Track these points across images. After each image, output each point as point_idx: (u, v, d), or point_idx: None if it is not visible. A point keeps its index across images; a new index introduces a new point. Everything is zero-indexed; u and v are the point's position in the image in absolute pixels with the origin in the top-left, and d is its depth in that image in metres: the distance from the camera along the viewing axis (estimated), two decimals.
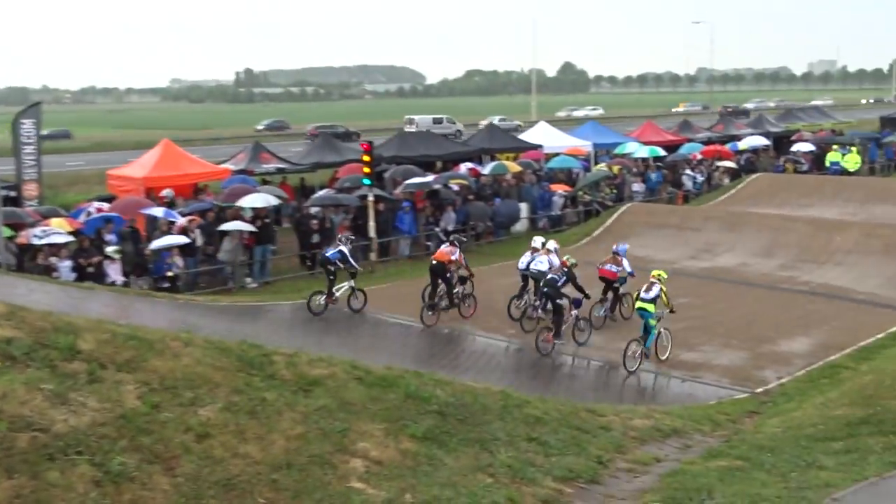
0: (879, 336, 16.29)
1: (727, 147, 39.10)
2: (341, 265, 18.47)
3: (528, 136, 37.49)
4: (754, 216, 26.19)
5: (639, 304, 15.52)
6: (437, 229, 25.70)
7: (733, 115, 64.61)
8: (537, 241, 18.73)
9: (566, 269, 16.59)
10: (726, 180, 34.19)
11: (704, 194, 33.08)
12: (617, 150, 36.92)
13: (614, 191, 31.07)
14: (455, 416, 7.97)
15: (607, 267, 17.87)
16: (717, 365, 15.11)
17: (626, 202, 29.99)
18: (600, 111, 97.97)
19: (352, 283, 18.62)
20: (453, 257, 18.25)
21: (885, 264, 21.51)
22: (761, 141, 41.16)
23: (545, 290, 16.47)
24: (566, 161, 33.58)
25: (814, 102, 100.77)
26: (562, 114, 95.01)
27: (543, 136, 37.26)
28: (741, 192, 31.94)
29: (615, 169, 32.42)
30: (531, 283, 17.86)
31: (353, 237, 20.26)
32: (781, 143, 44.53)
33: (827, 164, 36.93)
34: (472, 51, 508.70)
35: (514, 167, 30.61)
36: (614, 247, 18.62)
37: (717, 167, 35.11)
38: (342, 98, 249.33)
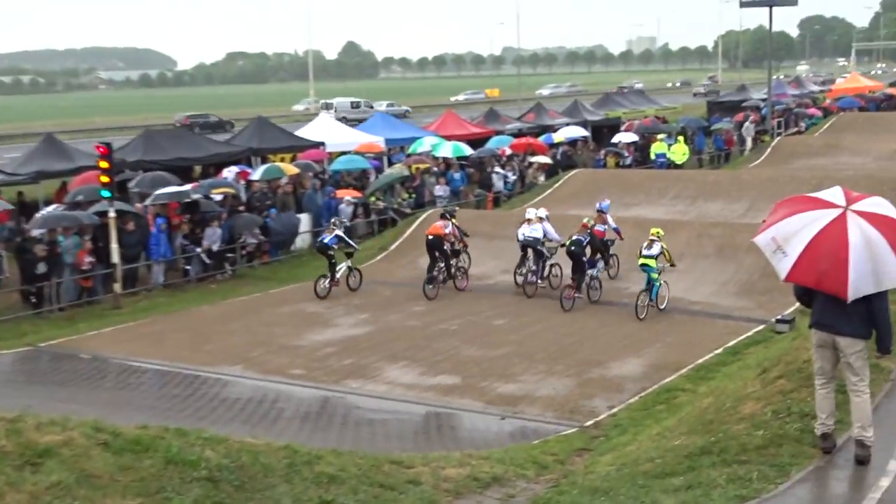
0: (717, 351, 17.40)
1: (541, 140, 40.73)
2: (336, 247, 23.02)
3: (307, 132, 37.43)
4: (575, 219, 27.36)
5: (642, 260, 20.50)
6: (198, 250, 25.15)
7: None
8: (531, 212, 23.44)
9: (588, 231, 21.87)
10: (541, 178, 35.58)
11: (517, 196, 34.25)
12: (413, 147, 37.60)
13: (412, 195, 31.57)
14: (230, 482, 7.79)
15: (594, 227, 22.20)
16: (540, 396, 15.61)
17: (428, 208, 30.54)
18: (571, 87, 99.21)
19: (349, 262, 23.61)
20: (447, 230, 22.96)
21: (720, 268, 23.05)
22: (579, 132, 43.20)
23: (572, 249, 21.44)
24: (354, 161, 33.82)
25: (619, 86, 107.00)
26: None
27: (326, 131, 37.35)
28: (558, 191, 33.29)
29: (412, 169, 32.98)
30: (530, 252, 22.67)
31: (346, 221, 25.85)
32: (601, 133, 46.95)
33: (652, 156, 39.29)
34: (234, 30, 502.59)
35: (290, 170, 30.47)
36: (598, 204, 23.42)
37: (531, 163, 36.47)
38: (69, 89, 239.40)
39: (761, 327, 18.68)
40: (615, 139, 41.96)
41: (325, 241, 23.22)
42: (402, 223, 29.10)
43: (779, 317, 18.43)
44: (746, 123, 47.14)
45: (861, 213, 8.40)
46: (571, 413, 14.75)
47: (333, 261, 23.17)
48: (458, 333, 19.43)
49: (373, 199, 30.82)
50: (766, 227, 8.76)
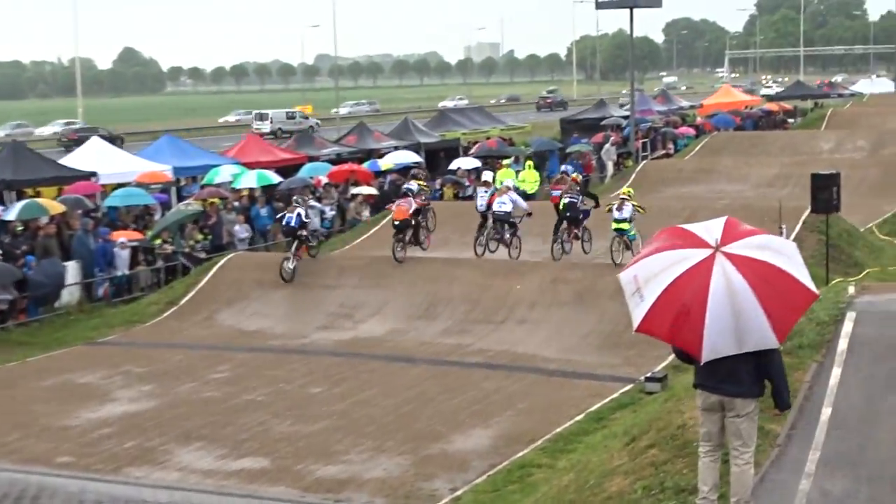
0: (578, 418, 17.71)
1: (365, 167, 40.93)
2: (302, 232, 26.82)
3: (74, 159, 36.62)
4: (405, 263, 27.55)
5: (615, 224, 24.98)
6: None
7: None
8: (487, 174, 30.35)
9: (577, 185, 27.72)
10: (366, 213, 35.72)
11: (336, 234, 34.30)
12: (207, 177, 37.21)
13: (208, 236, 31.20)
14: None
15: (557, 193, 27.59)
16: (370, 479, 15.55)
17: (228, 251, 30.37)
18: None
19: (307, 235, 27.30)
20: (412, 210, 27.13)
21: (579, 318, 23.53)
22: (410, 157, 43.61)
23: (567, 214, 26.85)
24: (134, 195, 33.23)
25: (442, 104, 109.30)
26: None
27: (98, 158, 36.61)
28: (388, 226, 33.40)
29: (207, 204, 32.61)
30: (490, 220, 27.37)
31: (307, 197, 30.19)
32: (437, 158, 47.56)
33: (497, 184, 39.91)
34: None
35: (55, 207, 29.71)
36: (563, 166, 31.10)
37: (353, 195, 36.59)
38: None
39: (629, 387, 19.14)
40: (453, 165, 42.52)
41: (290, 223, 26.92)
42: (196, 271, 28.71)
43: (649, 374, 18.93)
44: (607, 145, 48.46)
45: (731, 257, 8.53)
46: (406, 499, 14.75)
47: (300, 240, 27.00)
48: (267, 405, 19.23)
49: (158, 241, 30.28)
50: (634, 260, 9.05)
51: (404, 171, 41.12)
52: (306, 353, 23.04)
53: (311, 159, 42.01)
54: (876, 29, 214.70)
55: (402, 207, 27.29)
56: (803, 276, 8.65)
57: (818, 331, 14.03)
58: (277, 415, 18.66)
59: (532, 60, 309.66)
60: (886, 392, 12.34)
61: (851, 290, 16.64)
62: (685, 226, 9.13)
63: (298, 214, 26.93)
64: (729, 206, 31.08)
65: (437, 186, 39.78)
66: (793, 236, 25.94)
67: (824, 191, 25.39)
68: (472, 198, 39.11)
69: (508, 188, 28.18)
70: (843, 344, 13.63)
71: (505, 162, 41.67)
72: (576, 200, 27.01)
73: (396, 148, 46.00)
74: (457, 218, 33.32)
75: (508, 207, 27.10)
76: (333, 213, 35.39)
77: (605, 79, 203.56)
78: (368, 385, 20.34)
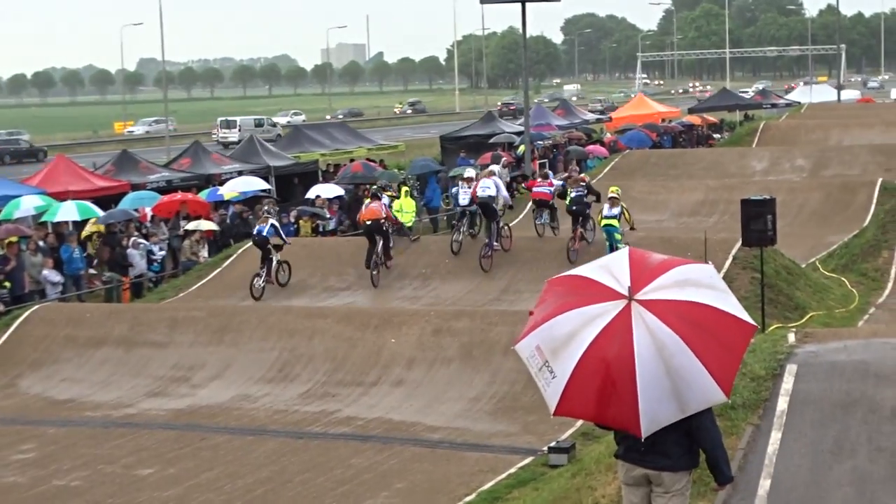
0: (469, 498, 17.72)
1: (202, 196, 40.65)
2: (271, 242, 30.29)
3: None
4: (253, 312, 27.41)
5: (604, 221, 29.94)
6: None
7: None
8: (470, 171, 33.94)
9: (585, 183, 32.21)
10: (203, 253, 35.46)
11: (167, 280, 33.99)
12: (5, 211, 36.57)
13: (7, 284, 30.72)
14: None
15: (541, 189, 32.53)
16: None
17: (32, 303, 30.01)
18: None
19: (277, 256, 30.71)
20: (384, 213, 30.94)
21: (469, 377, 23.57)
22: (257, 183, 43.41)
23: (573, 208, 31.09)
24: None
25: (275, 120, 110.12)
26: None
27: None
28: (232, 269, 33.26)
29: (4, 245, 32.10)
30: (467, 217, 32.35)
31: (277, 207, 35.14)
32: (290, 184, 47.41)
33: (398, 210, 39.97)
34: None
35: None
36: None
37: (186, 231, 36.32)
38: None
39: (529, 460, 19.21)
40: (311, 193, 42.43)
41: (263, 233, 30.43)
42: None
43: (553, 444, 19.06)
44: (497, 167, 48.75)
45: (650, 304, 8.43)
46: None
47: (270, 256, 30.55)
48: (84, 491, 18.94)
49: None
50: (530, 326, 8.80)
51: (253, 200, 40.90)
52: (132, 426, 22.74)
53: (135, 187, 41.56)
54: (815, 27, 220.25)
55: (374, 207, 30.95)
56: (733, 306, 8.58)
57: (753, 388, 14.28)
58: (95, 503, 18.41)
59: (405, 65, 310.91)
60: (834, 461, 12.60)
61: (792, 338, 17.00)
62: (582, 271, 8.99)
63: (272, 225, 30.73)
64: (644, 239, 31.52)
65: (292, 220, 39.66)
66: (721, 274, 26.38)
67: (757, 220, 25.81)
68: (335, 232, 39.29)
69: (493, 172, 33.01)
70: (782, 403, 13.90)
71: (373, 187, 41.53)
72: (582, 194, 31.48)
73: (240, 173, 45.75)
74: (317, 259, 33.33)
75: (493, 191, 31.08)
76: (163, 252, 35.08)
77: (494, 87, 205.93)
78: (210, 464, 20.14)
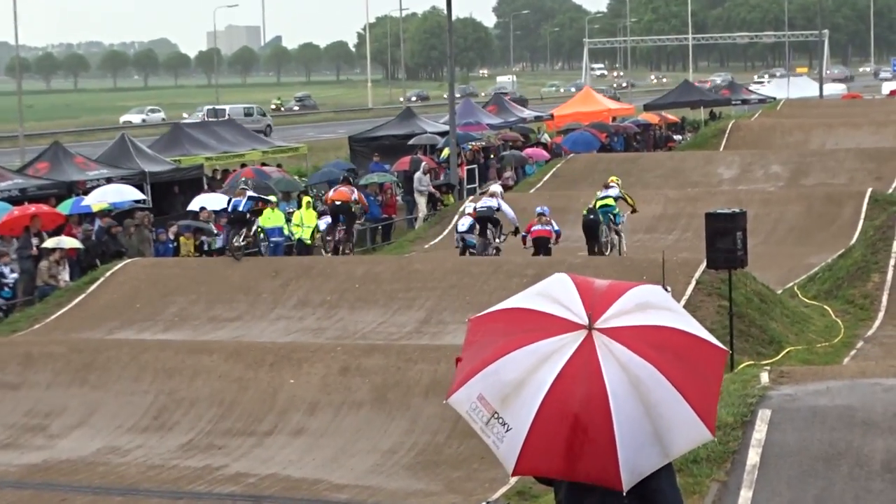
0: None
1: (64, 207, 40.35)
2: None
3: None
4: (124, 347, 27.24)
5: (600, 203, 35.38)
6: None
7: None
8: (496, 187, 39.74)
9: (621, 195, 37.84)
10: (64, 276, 35.23)
11: (20, 309, 33.98)
12: None
13: None
14: None
15: (539, 227, 36.30)
16: None
17: None
18: None
19: (258, 221, 36.07)
20: (354, 196, 36.65)
21: (382, 425, 23.52)
22: (130, 193, 43.17)
23: (590, 217, 35.76)
24: None
25: (125, 118, 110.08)
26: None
27: None
28: (98, 295, 32.94)
29: None
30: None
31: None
32: (169, 194, 47.16)
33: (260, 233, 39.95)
34: None
35: None
36: (538, 209, 36.94)
37: (44, 251, 35.96)
38: None
39: None
40: (194, 205, 42.20)
41: (240, 207, 34.63)
42: None
43: (484, 503, 19.07)
44: (417, 174, 48.77)
45: (613, 333, 8.30)
46: None
47: (250, 227, 34.87)
48: None
49: None
50: (465, 373, 8.46)
51: (126, 214, 40.60)
52: None
53: None
54: (792, 9, 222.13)
55: (343, 190, 36.80)
56: (697, 328, 8.56)
57: (720, 437, 14.30)
58: None
59: (308, 52, 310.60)
60: None
61: (765, 378, 17.08)
62: (518, 302, 8.71)
63: (250, 198, 35.06)
64: (591, 260, 31.69)
65: (171, 237, 39.45)
66: (682, 302, 26.50)
67: (725, 237, 25.94)
68: (223, 251, 39.08)
69: (494, 193, 37.66)
70: (754, 456, 13.98)
71: (271, 198, 41.39)
72: (613, 206, 36.76)
73: (109, 179, 45.34)
74: (201, 283, 33.18)
75: (494, 204, 36.36)
76: (16, 275, 34.78)
77: (414, 78, 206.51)
78: None
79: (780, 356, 26.14)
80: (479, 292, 29.44)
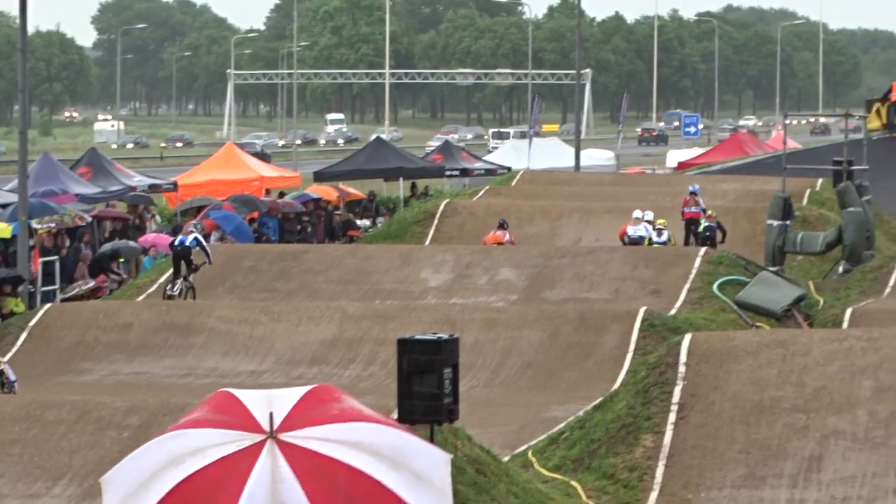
0: None
1: None
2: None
3: None
4: None
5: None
6: None
7: None
8: (638, 212, 62.13)
9: (715, 218, 65.95)
10: None
11: None
12: None
13: None
14: None
15: (690, 209, 64.22)
16: None
17: None
18: None
19: (190, 278, 48.23)
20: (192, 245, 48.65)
21: None
22: None
23: (706, 234, 63.66)
24: None
25: None
26: None
27: None
28: None
29: None
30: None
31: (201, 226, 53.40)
32: None
33: None
34: None
35: None
36: (690, 187, 65.74)
37: None
38: None
39: None
40: None
41: (186, 242, 45.96)
42: None
43: None
44: None
45: (287, 449, 9.99)
46: None
47: (183, 274, 46.72)
48: None
49: None
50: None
51: None
52: None
53: None
54: (540, 38, 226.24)
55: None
56: (415, 494, 9.35)
57: None
58: None
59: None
60: None
61: None
62: (243, 394, 10.77)
63: (196, 238, 47.22)
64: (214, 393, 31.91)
65: None
66: None
67: (427, 376, 26.13)
68: None
69: (648, 221, 60.37)
70: None
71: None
72: (714, 227, 62.62)
73: None
74: None
75: (644, 233, 59.15)
76: None
77: None
78: None
79: None
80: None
